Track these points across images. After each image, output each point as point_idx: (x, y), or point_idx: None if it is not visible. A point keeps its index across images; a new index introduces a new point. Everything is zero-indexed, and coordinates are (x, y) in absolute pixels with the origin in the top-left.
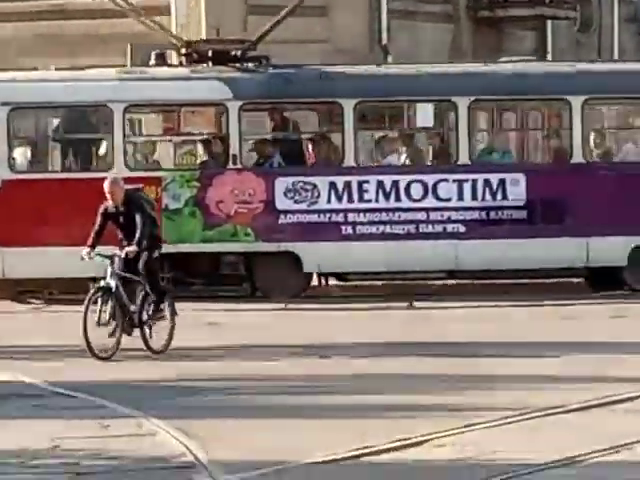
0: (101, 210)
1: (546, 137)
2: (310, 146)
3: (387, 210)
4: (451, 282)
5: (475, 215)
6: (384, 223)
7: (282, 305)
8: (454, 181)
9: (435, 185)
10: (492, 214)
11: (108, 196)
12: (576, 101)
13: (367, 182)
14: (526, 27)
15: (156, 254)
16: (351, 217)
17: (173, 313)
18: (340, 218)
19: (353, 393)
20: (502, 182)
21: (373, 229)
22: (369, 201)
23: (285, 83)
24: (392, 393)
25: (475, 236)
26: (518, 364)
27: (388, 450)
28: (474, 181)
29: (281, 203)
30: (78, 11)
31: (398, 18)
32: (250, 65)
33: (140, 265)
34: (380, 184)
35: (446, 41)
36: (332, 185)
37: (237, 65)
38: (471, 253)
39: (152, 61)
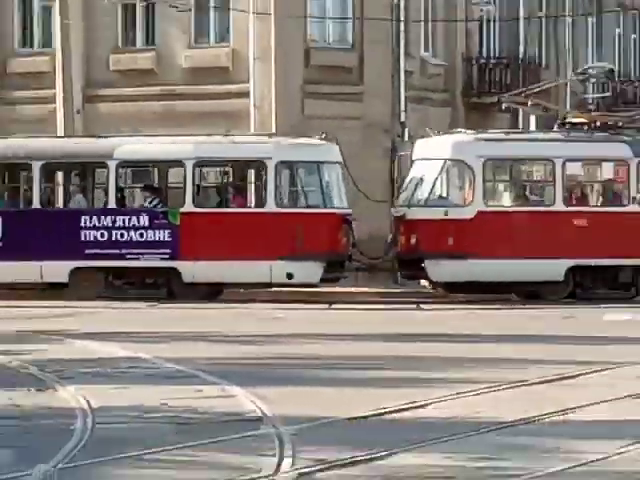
0: None
1: None
2: None
3: None
4: None
5: None
6: None
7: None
8: None
9: None
10: None
11: None
12: None
13: None
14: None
15: None
16: None
17: None
18: None
19: (374, 368)
20: None
21: None
22: None
23: None
24: (403, 370)
25: None
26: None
27: (401, 410)
28: None
29: None
30: None
31: (412, 102)
32: None
33: None
34: None
35: (446, 120)
36: None
37: None
38: None
39: None
